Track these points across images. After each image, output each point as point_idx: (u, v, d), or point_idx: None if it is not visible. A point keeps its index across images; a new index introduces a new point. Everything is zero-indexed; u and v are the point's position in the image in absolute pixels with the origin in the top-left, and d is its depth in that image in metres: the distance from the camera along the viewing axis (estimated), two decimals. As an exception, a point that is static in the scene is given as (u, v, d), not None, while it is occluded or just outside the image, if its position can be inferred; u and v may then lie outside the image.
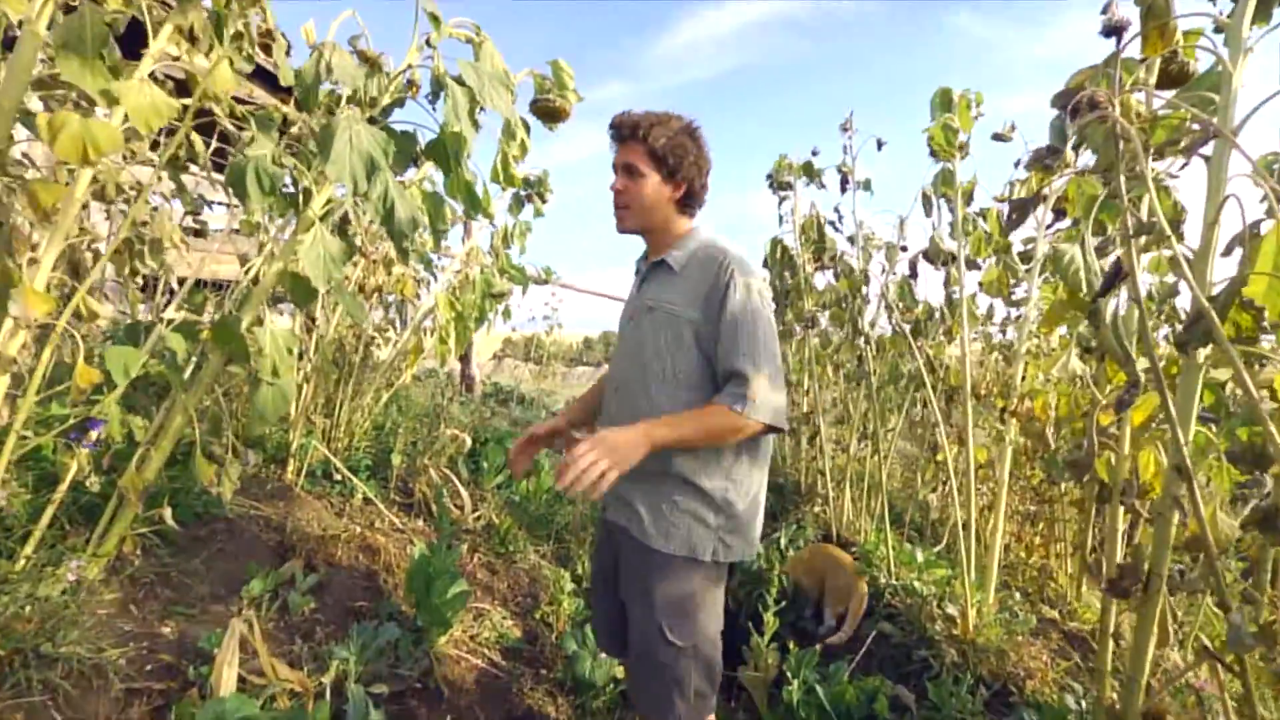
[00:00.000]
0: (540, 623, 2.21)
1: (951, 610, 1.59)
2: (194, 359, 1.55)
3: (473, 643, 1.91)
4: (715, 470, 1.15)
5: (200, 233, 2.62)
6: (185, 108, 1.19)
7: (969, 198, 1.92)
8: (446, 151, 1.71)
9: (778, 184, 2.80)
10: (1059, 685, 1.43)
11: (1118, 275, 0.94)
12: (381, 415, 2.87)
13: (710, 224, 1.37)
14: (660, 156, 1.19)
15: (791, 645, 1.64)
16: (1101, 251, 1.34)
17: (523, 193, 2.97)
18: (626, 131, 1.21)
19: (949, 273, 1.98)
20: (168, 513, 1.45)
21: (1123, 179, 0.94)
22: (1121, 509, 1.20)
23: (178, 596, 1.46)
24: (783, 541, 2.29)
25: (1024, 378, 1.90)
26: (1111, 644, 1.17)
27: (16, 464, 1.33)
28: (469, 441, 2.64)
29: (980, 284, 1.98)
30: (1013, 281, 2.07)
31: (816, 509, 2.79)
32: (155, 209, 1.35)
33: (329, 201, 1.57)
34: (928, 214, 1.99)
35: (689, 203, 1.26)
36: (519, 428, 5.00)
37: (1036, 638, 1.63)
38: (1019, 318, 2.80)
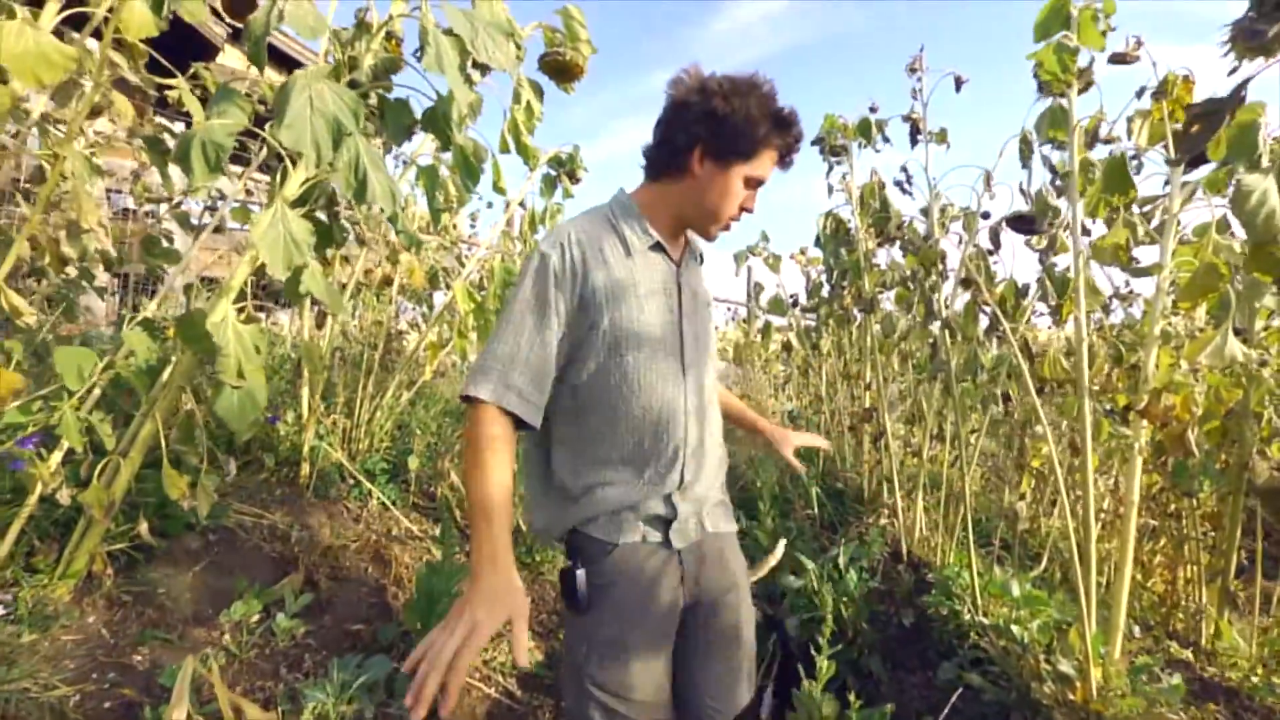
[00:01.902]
0: (565, 644, 2.01)
1: (1066, 667, 1.24)
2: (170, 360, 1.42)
3: (485, 668, 1.72)
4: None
5: (219, 229, 2.57)
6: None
7: (1091, 138, 1.51)
8: (440, 119, 1.51)
9: (829, 148, 2.43)
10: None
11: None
12: (407, 414, 2.75)
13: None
14: None
15: (852, 699, 1.34)
16: (1304, 189, 0.95)
17: (552, 172, 2.76)
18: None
19: (1053, 238, 1.58)
20: (144, 527, 1.33)
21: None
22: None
23: (159, 618, 1.34)
24: (842, 560, 1.97)
25: (1156, 367, 1.49)
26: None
27: (-23, 476, 1.24)
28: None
29: (1093, 247, 1.57)
30: (1134, 244, 1.65)
31: (883, 521, 2.43)
32: (68, 188, 1.20)
33: (308, 180, 1.40)
34: (1025, 164, 1.59)
35: None
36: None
37: (1185, 706, 1.24)
38: (1128, 293, 2.31)
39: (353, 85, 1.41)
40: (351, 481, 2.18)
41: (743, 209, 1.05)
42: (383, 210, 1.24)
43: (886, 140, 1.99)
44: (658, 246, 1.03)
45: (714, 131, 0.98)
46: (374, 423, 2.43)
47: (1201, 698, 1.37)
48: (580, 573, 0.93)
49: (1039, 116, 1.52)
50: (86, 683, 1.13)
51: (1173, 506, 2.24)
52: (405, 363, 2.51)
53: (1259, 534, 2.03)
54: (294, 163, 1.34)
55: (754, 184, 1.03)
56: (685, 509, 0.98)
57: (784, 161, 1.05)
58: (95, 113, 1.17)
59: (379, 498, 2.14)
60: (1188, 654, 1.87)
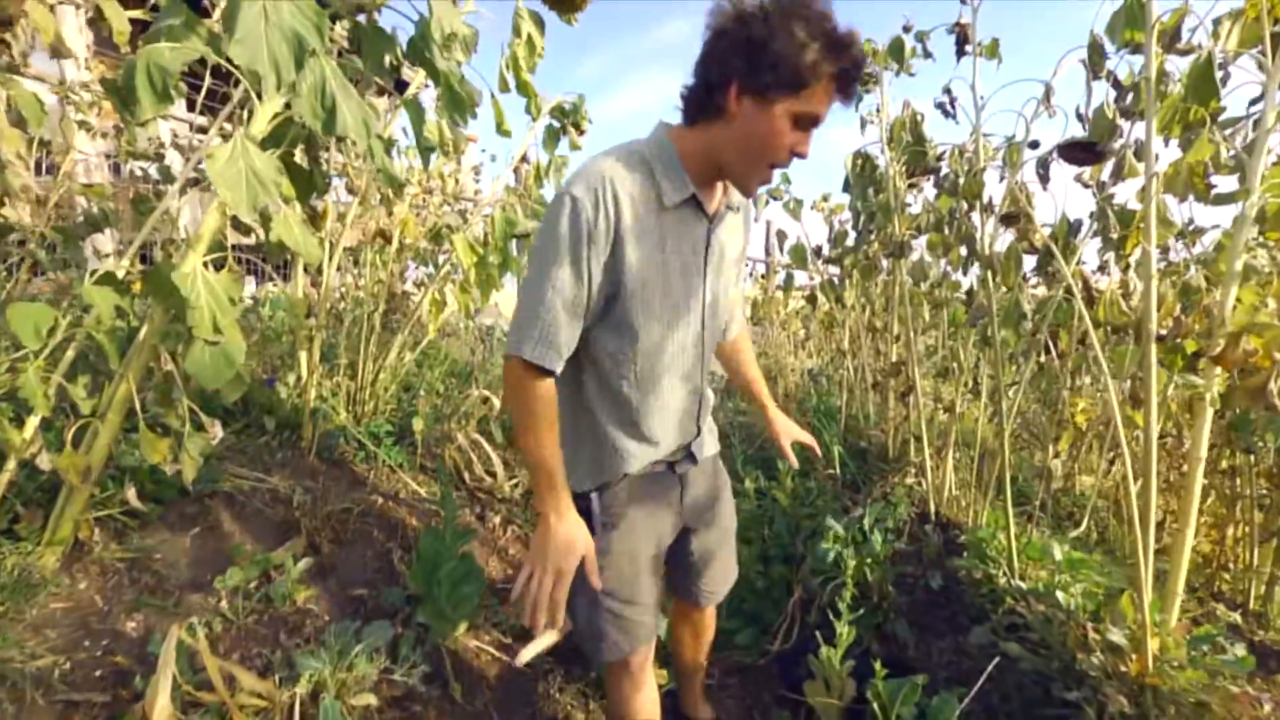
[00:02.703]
0: (578, 606, 1.97)
1: (1117, 637, 1.13)
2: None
3: (496, 631, 1.68)
4: None
5: (199, 181, 2.46)
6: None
7: (1171, 39, 1.29)
8: (423, 44, 1.35)
9: (860, 76, 2.20)
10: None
11: None
12: (413, 376, 2.68)
13: None
14: None
15: (878, 667, 1.25)
16: None
17: (556, 123, 2.57)
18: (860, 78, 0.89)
19: (1119, 163, 1.38)
20: (131, 493, 1.28)
21: None
22: None
23: (154, 584, 1.30)
24: (866, 522, 1.86)
25: (1235, 308, 1.31)
26: None
27: (-49, 441, 1.18)
28: (498, 403, 2.39)
29: (1165, 176, 1.37)
30: (1211, 171, 1.44)
31: (909, 480, 2.32)
32: None
33: (279, 117, 1.27)
34: (1095, 75, 1.37)
35: None
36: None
37: (1250, 679, 1.13)
38: (1193, 230, 2.06)
39: (321, 5, 1.26)
40: (356, 444, 2.13)
41: (793, 153, 0.89)
42: (352, 146, 1.11)
43: (929, 56, 1.76)
44: (692, 200, 0.96)
45: (753, 63, 0.84)
46: (378, 384, 2.36)
47: (1266, 669, 1.25)
48: (595, 496, 1.02)
49: (1112, 16, 1.30)
50: (76, 651, 1.09)
51: (1225, 463, 2.08)
52: (408, 322, 2.41)
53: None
54: (259, 95, 1.21)
55: (806, 122, 0.87)
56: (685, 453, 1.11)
57: (844, 93, 0.87)
58: (4, 23, 1.04)
59: (385, 460, 2.09)
60: (1235, 616, 1.76)
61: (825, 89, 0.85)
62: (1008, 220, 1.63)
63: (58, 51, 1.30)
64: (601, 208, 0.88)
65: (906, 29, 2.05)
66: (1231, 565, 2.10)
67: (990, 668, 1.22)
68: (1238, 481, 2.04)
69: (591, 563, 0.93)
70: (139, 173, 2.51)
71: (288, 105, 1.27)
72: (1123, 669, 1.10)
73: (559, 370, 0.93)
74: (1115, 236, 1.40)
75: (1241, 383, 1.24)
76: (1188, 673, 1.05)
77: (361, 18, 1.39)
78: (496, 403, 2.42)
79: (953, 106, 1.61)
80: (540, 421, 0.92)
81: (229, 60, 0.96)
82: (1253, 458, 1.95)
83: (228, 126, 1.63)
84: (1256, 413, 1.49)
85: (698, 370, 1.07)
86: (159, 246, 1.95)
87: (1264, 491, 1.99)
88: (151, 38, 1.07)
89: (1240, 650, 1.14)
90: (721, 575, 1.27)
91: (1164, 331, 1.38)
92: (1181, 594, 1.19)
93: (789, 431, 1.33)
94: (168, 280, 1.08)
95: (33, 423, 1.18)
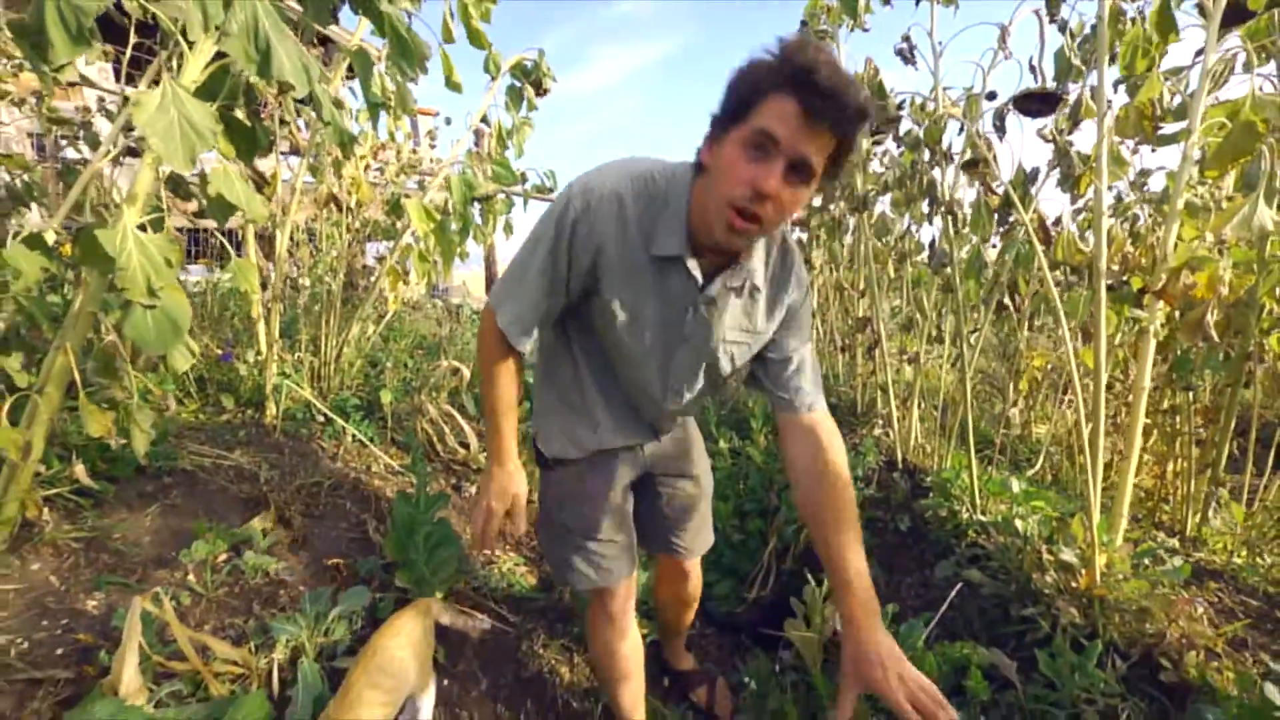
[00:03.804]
0: (558, 568, 1.98)
1: (1068, 556, 1.20)
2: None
3: (477, 595, 1.68)
4: None
5: (132, 150, 2.31)
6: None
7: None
8: (365, -13, 1.27)
9: (812, 33, 2.18)
10: (1233, 658, 1.03)
11: None
12: (380, 350, 2.61)
13: (670, 142, 1.02)
14: (843, 159, 0.79)
15: (850, 600, 1.30)
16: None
17: (517, 83, 2.48)
18: (849, 117, 0.73)
19: (1076, 105, 1.41)
20: (80, 469, 1.22)
21: None
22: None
23: (115, 563, 1.25)
24: (836, 471, 1.92)
25: (1176, 244, 1.37)
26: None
27: None
28: (467, 373, 2.35)
29: (1117, 118, 1.41)
30: (1158, 114, 1.48)
31: (877, 431, 2.39)
32: None
33: (211, 65, 1.18)
34: (1051, 18, 1.39)
35: None
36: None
37: (1186, 587, 1.22)
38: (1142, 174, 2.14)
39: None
40: (323, 420, 2.07)
41: (755, 189, 0.75)
42: (292, 93, 1.05)
43: (887, 3, 1.76)
44: (677, 260, 0.88)
45: (719, 106, 0.80)
46: (343, 359, 2.30)
47: (1200, 582, 1.35)
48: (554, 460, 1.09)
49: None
50: (34, 631, 1.05)
51: (1167, 403, 2.21)
52: (371, 295, 2.34)
53: (1253, 430, 2.01)
54: (187, 40, 1.12)
55: (760, 143, 0.74)
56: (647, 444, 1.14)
57: (808, 112, 0.72)
58: None
59: (354, 435, 2.04)
60: (1174, 542, 1.89)
61: (779, 104, 0.73)
62: (968, 166, 1.66)
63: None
64: (592, 225, 0.86)
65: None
66: (1171, 498, 2.25)
67: (953, 594, 1.29)
68: (1177, 420, 2.17)
69: (520, 506, 1.06)
70: (63, 143, 2.34)
71: (221, 55, 1.19)
72: (1073, 585, 1.17)
73: (523, 349, 0.97)
74: (1074, 175, 1.43)
75: (1182, 319, 1.31)
76: (1131, 583, 1.13)
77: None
78: (466, 373, 2.38)
79: (912, 53, 1.62)
80: (495, 377, 0.99)
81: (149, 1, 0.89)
82: (1191, 396, 2.07)
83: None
84: (1195, 347, 1.58)
85: (663, 415, 1.08)
86: (90, 213, 1.83)
87: (1200, 427, 2.12)
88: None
89: (1179, 562, 1.23)
90: (695, 530, 1.27)
91: (1115, 268, 1.44)
92: (1126, 515, 1.27)
93: (867, 677, 0.80)
94: (97, 241, 1.01)
95: (-38, 399, 1.11)
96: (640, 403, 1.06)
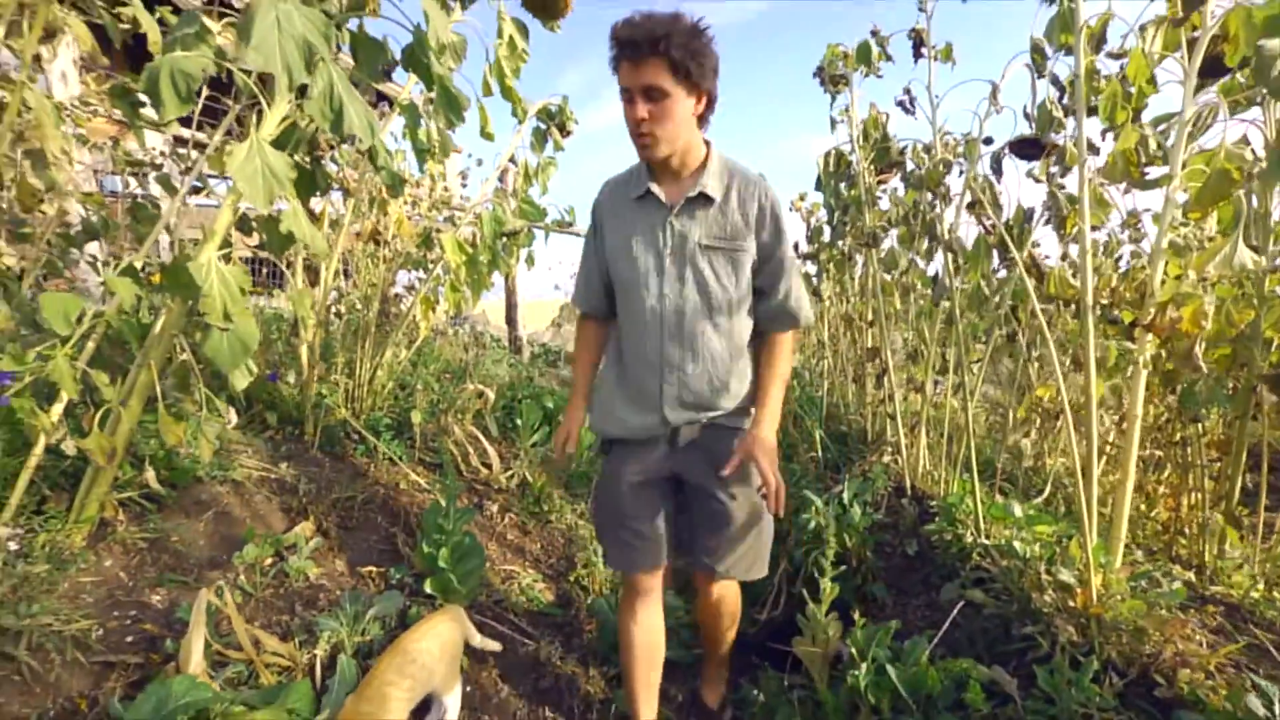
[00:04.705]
0: (575, 585, 2.05)
1: (1067, 576, 1.25)
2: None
3: (498, 608, 1.76)
4: (747, 371, 1.32)
5: (200, 188, 2.52)
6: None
7: (1098, 41, 1.44)
8: (419, 52, 1.45)
9: (829, 79, 2.34)
10: (1226, 676, 1.07)
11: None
12: (408, 374, 2.75)
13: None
14: (685, 68, 1.10)
15: (857, 616, 1.36)
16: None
17: (542, 125, 2.68)
18: (643, 46, 1.08)
19: (1062, 153, 1.52)
20: (151, 475, 1.35)
21: None
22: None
23: (174, 563, 1.37)
24: (846, 496, 1.98)
25: (1163, 281, 1.45)
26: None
27: (-19, 427, 1.25)
28: (492, 396, 2.47)
29: (1106, 163, 1.51)
30: (1143, 160, 1.59)
31: (886, 459, 2.44)
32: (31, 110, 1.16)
33: (286, 120, 1.36)
34: (1039, 74, 1.51)
35: (707, 116, 1.21)
36: (567, 387, 4.87)
37: (1185, 610, 1.26)
38: (1130, 215, 2.23)
39: (323, 13, 1.35)
40: (357, 438, 2.20)
41: (633, 122, 1.14)
42: (358, 143, 1.20)
43: (889, 58, 1.90)
44: (648, 195, 1.24)
45: None
46: (375, 382, 2.44)
47: (1201, 603, 1.38)
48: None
49: (1048, 23, 1.44)
50: (108, 619, 1.16)
51: (1178, 435, 2.23)
52: (402, 322, 2.49)
53: (1264, 462, 2.02)
54: (269, 101, 1.30)
55: (623, 95, 1.14)
56: (671, 411, 1.27)
57: (624, 58, 1.10)
58: (49, 35, 1.12)
59: (385, 452, 2.16)
60: (1190, 575, 1.89)
61: (618, 66, 1.12)
62: (970, 208, 1.77)
63: (40, 62, 1.36)
64: (601, 202, 1.33)
65: (874, 33, 2.19)
66: (1187, 530, 2.25)
67: (955, 613, 1.34)
68: (1189, 451, 2.19)
69: (569, 434, 1.39)
70: (131, 183, 2.57)
71: (297, 108, 1.37)
72: (1071, 604, 1.22)
73: (589, 309, 1.39)
74: (1061, 216, 1.53)
75: (1172, 349, 1.38)
76: (1128, 603, 1.17)
77: (353, 25, 1.49)
78: (491, 396, 2.50)
79: (912, 105, 1.75)
80: (576, 338, 1.45)
81: (237, 68, 1.05)
82: (1201, 427, 2.10)
83: (227, 136, 1.71)
84: (1188, 375, 1.63)
85: (677, 356, 1.24)
86: (171, 247, 2.02)
87: (1214, 460, 2.13)
88: (167, 48, 1.16)
89: (1176, 585, 1.27)
90: (721, 552, 1.30)
91: (1104, 302, 1.52)
92: (1123, 539, 1.31)
93: (753, 450, 1.20)
94: (185, 271, 1.16)
95: (57, 409, 1.25)
96: (645, 378, 1.27)
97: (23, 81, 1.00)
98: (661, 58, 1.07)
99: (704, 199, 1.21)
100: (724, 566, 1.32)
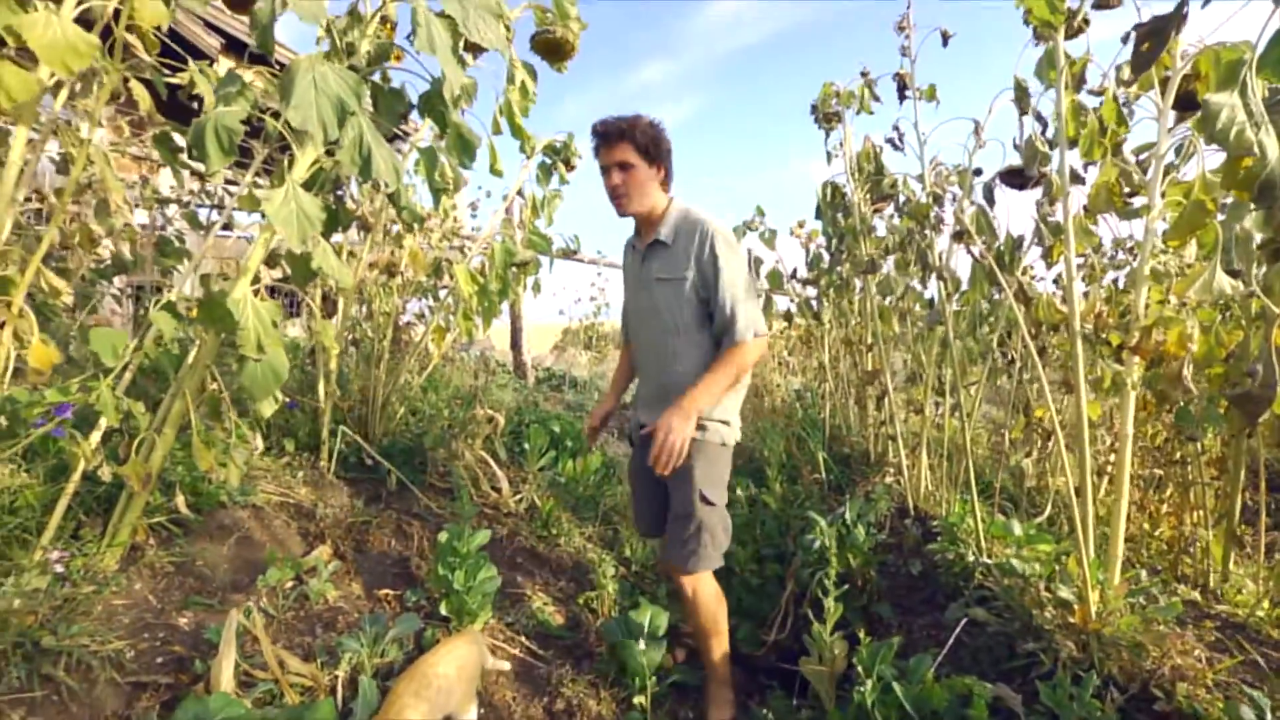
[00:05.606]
0: (584, 608, 2.07)
1: (1066, 593, 1.28)
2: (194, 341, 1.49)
3: (509, 630, 1.79)
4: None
5: (228, 225, 2.63)
6: (115, 48, 1.07)
7: (1078, 81, 1.53)
8: (436, 100, 1.55)
9: (823, 115, 2.46)
10: (1224, 690, 1.10)
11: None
12: (420, 400, 2.82)
13: (693, 197, 1.53)
14: (645, 148, 1.52)
15: (862, 635, 1.39)
16: (1274, 109, 0.98)
17: (548, 160, 2.80)
18: (614, 136, 1.52)
19: (1049, 183, 1.60)
20: (181, 500, 1.41)
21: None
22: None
23: (199, 585, 1.41)
24: (849, 517, 2.01)
25: (1147, 306, 1.51)
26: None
27: (24, 454, 1.31)
28: (502, 421, 2.53)
29: (1090, 195, 1.59)
30: (1126, 190, 1.67)
31: (889, 480, 2.48)
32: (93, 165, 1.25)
33: (315, 164, 1.45)
34: (1023, 111, 1.61)
35: (667, 181, 1.60)
36: (572, 410, 4.92)
37: (1183, 626, 1.29)
38: (1114, 244, 2.31)
39: (351, 70, 1.46)
40: (370, 463, 2.25)
41: (609, 189, 1.56)
42: (384, 188, 1.29)
43: (876, 99, 2.02)
44: (633, 244, 1.70)
45: None
46: (388, 408, 2.50)
47: (1200, 619, 1.41)
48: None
49: (1038, 62, 1.54)
50: (139, 641, 1.20)
51: (1178, 454, 2.27)
52: (414, 350, 2.57)
53: (1263, 482, 2.05)
54: (300, 148, 1.39)
55: (604, 170, 1.56)
56: (644, 413, 1.66)
57: (600, 145, 1.55)
58: (114, 97, 1.22)
59: (397, 477, 2.21)
60: (1195, 595, 1.91)
61: (599, 152, 1.56)
62: (959, 236, 1.85)
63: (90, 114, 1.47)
64: (624, 253, 1.77)
65: (864, 74, 2.32)
66: (1191, 550, 2.26)
67: (958, 630, 1.37)
68: (1189, 470, 2.22)
69: (594, 420, 1.84)
70: (159, 220, 2.69)
71: (327, 154, 1.47)
72: (1070, 620, 1.25)
73: (626, 337, 1.85)
74: (1048, 246, 1.61)
75: (1161, 371, 1.43)
76: (1125, 619, 1.21)
77: (375, 76, 1.60)
78: (501, 420, 2.56)
79: (901, 141, 1.85)
80: (619, 364, 1.94)
81: (285, 123, 1.15)
82: (1199, 446, 2.14)
83: (255, 181, 1.82)
84: (1178, 397, 1.68)
85: (655, 368, 1.63)
86: (195, 282, 2.11)
87: (1214, 478, 2.17)
88: (215, 102, 1.26)
89: (1174, 600, 1.30)
90: (671, 540, 1.57)
91: (1090, 326, 1.59)
92: (1120, 556, 1.35)
93: (663, 421, 1.43)
94: (221, 305, 1.24)
95: (94, 437, 1.32)
96: (638, 387, 1.71)
97: (89, 140, 1.09)
98: (628, 141, 1.50)
99: (660, 244, 1.57)
100: (665, 553, 1.60)
